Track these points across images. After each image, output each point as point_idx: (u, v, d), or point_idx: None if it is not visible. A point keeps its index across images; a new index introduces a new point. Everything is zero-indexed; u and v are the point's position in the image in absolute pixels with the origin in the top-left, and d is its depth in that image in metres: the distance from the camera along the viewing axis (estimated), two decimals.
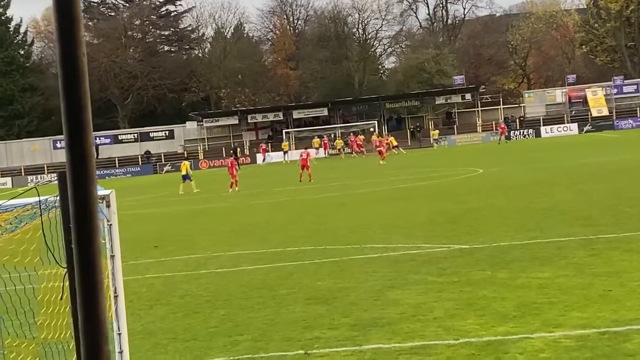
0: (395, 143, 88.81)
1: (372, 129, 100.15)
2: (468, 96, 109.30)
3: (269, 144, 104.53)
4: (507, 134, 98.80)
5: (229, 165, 52.51)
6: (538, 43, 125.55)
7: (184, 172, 55.29)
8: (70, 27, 1.73)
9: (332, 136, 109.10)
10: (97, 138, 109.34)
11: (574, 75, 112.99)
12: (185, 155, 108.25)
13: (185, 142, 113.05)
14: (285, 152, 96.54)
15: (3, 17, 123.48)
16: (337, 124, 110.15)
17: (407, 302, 13.77)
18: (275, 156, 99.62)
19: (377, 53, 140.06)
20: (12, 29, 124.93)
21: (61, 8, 1.63)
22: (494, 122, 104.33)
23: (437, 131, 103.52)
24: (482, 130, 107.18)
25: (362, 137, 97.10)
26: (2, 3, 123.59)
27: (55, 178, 6.65)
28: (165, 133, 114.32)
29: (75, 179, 1.73)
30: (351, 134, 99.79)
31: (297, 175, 53.61)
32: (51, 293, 7.90)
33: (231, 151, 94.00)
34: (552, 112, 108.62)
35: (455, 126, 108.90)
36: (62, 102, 1.78)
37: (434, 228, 23.30)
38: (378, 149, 74.93)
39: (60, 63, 1.76)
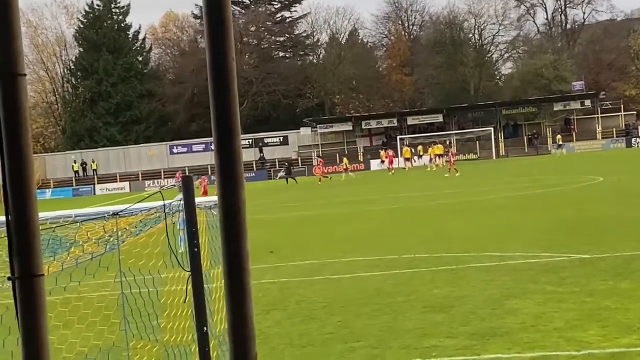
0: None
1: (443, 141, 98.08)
2: (587, 102, 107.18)
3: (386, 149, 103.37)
4: None
5: None
6: None
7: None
8: (221, 32, 1.76)
9: (448, 142, 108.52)
10: (213, 144, 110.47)
11: None
12: (299, 161, 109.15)
13: (299, 148, 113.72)
14: (407, 159, 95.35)
15: (122, 24, 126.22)
16: (452, 130, 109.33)
17: (526, 312, 13.61)
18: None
19: (494, 58, 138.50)
20: (130, 35, 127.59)
21: (212, 13, 1.66)
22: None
23: (560, 136, 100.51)
24: (602, 138, 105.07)
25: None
26: (122, 10, 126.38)
27: (179, 182, 6.78)
28: (280, 139, 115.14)
29: (224, 181, 1.76)
30: (387, 149, 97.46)
31: (406, 182, 53.28)
32: (174, 296, 8.05)
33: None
34: None
35: (574, 133, 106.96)
36: (211, 106, 1.81)
37: (553, 237, 22.95)
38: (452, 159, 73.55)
39: (210, 68, 1.79)
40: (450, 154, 77.33)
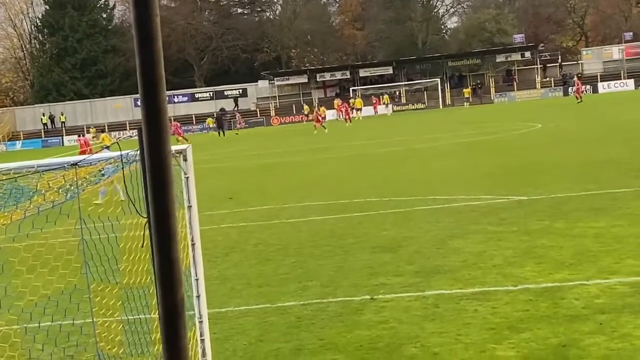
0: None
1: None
2: (527, 54, 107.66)
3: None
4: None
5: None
6: (596, 2, 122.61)
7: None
8: None
9: (397, 94, 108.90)
10: (176, 97, 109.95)
11: (631, 33, 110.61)
12: (258, 112, 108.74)
13: (257, 100, 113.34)
14: (358, 109, 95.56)
15: None
16: (402, 81, 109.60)
17: (468, 251, 13.73)
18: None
19: (440, 13, 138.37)
20: None
21: None
22: (575, 77, 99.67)
23: (468, 89, 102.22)
24: (541, 87, 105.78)
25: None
26: None
27: (136, 134, 6.70)
28: (239, 91, 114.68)
29: (150, 134, 1.73)
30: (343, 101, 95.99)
31: (357, 131, 53.11)
32: (132, 241, 8.01)
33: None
34: (609, 68, 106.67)
35: (515, 83, 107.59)
36: (137, 62, 1.77)
37: (494, 180, 23.13)
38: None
39: (135, 23, 1.75)
40: (320, 111, 75.77)
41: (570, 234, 14.30)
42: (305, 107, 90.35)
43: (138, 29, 1.75)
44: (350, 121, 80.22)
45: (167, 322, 1.75)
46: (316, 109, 77.56)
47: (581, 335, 8.83)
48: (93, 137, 37.24)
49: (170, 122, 56.61)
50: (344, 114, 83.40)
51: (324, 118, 76.38)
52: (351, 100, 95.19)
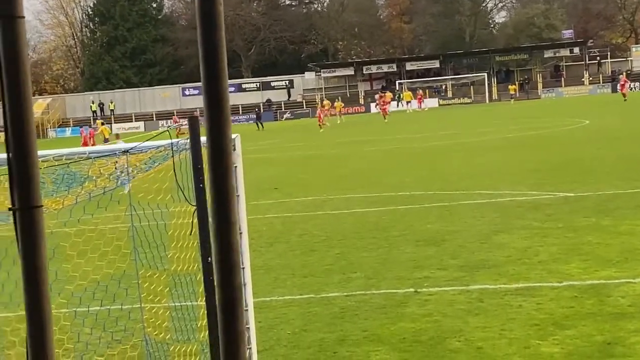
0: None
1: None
2: (576, 50, 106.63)
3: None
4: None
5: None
6: None
7: None
8: None
9: (444, 87, 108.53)
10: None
11: None
12: (304, 103, 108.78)
13: (304, 92, 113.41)
14: (408, 102, 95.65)
15: None
16: (448, 75, 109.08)
17: (513, 246, 13.66)
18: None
19: (488, 8, 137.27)
20: None
21: None
22: (623, 74, 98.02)
23: (513, 86, 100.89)
24: (589, 83, 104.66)
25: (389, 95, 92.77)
26: None
27: (186, 123, 6.75)
28: (286, 83, 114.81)
29: (212, 121, 1.75)
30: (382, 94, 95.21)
31: (402, 124, 52.82)
32: (181, 229, 8.07)
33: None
34: None
35: (562, 79, 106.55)
36: (200, 50, 1.79)
37: (540, 176, 22.96)
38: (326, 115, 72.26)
39: (198, 13, 1.77)
40: (322, 109, 74.55)
41: (616, 231, 14.17)
42: (326, 102, 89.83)
43: (202, 17, 1.77)
44: (385, 118, 78.38)
45: (225, 307, 1.76)
46: (320, 105, 76.39)
47: (627, 334, 8.76)
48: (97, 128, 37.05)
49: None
50: (381, 109, 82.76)
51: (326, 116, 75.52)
52: (386, 94, 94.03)
